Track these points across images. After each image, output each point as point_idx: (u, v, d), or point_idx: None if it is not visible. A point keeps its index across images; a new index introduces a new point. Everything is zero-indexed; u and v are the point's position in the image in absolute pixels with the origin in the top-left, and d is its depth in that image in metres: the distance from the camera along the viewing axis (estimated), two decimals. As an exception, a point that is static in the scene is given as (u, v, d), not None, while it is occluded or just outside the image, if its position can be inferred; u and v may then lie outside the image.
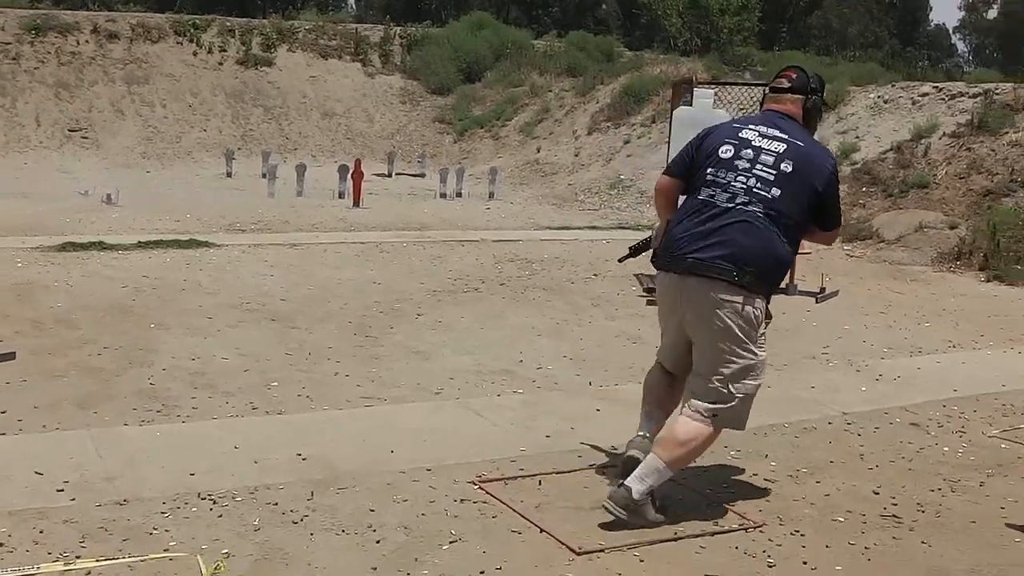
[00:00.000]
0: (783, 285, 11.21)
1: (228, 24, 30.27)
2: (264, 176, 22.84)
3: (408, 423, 6.26)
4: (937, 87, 19.64)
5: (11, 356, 5.84)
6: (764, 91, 5.29)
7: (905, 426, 6.65)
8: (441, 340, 8.54)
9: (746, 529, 4.81)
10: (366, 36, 31.16)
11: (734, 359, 4.75)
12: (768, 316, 4.95)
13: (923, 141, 17.91)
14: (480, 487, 5.20)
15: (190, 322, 8.74)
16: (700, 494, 5.22)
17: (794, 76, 5.09)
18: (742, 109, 15.12)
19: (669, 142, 10.63)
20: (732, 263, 4.65)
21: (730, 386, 4.76)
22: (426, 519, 4.77)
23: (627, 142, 22.80)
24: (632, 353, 8.29)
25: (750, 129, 4.95)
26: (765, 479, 5.51)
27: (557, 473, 5.47)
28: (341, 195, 19.51)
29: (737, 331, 4.72)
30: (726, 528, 4.82)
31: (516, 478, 5.39)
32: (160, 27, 29.47)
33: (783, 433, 6.33)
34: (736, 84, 18.37)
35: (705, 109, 10.27)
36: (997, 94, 18.20)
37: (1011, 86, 18.42)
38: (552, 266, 12.68)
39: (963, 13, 75.64)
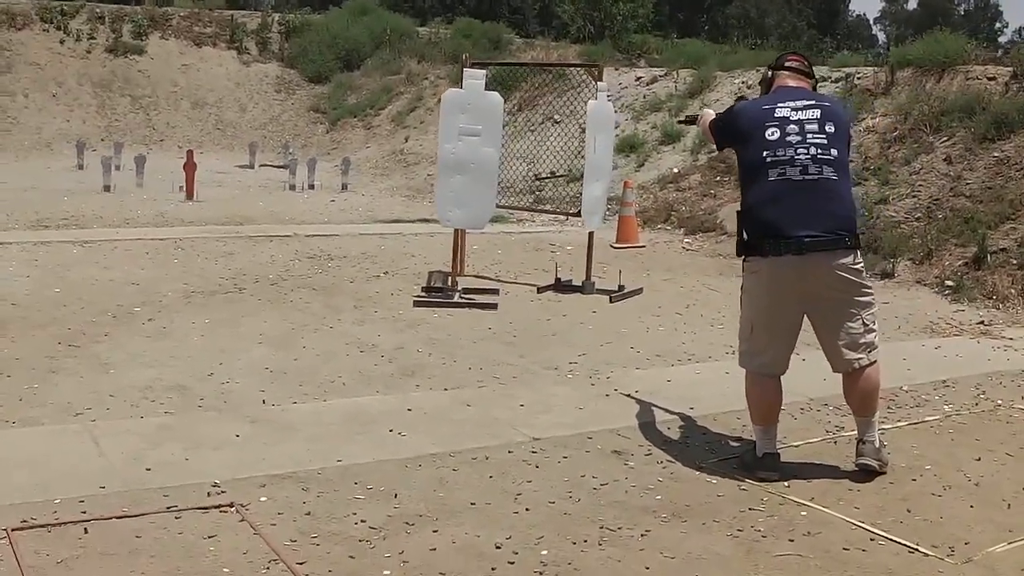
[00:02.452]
0: (579, 284, 10.50)
1: (98, 11, 29.01)
2: (116, 168, 21.79)
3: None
4: (798, 71, 18.81)
5: None
6: (770, 70, 5.76)
7: (603, 455, 5.74)
8: (142, 350, 7.66)
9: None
10: (243, 23, 30.03)
11: (861, 307, 5.35)
12: None
13: (783, 127, 17.07)
14: (7, 537, 4.20)
15: None
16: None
17: (806, 62, 5.74)
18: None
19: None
20: (840, 231, 5.17)
21: (868, 326, 5.38)
22: None
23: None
24: (347, 364, 7.53)
25: (782, 107, 5.34)
26: (371, 527, 4.55)
27: (115, 518, 4.50)
28: (182, 188, 18.39)
29: (858, 284, 5.32)
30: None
31: (60, 524, 4.42)
32: (25, 13, 28.18)
33: (440, 466, 5.41)
34: (513, 64, 17.64)
35: (476, 91, 9.39)
36: (859, 78, 17.44)
37: (872, 70, 17.66)
38: (349, 263, 11.80)
39: (883, 4, 75.44)
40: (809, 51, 31.68)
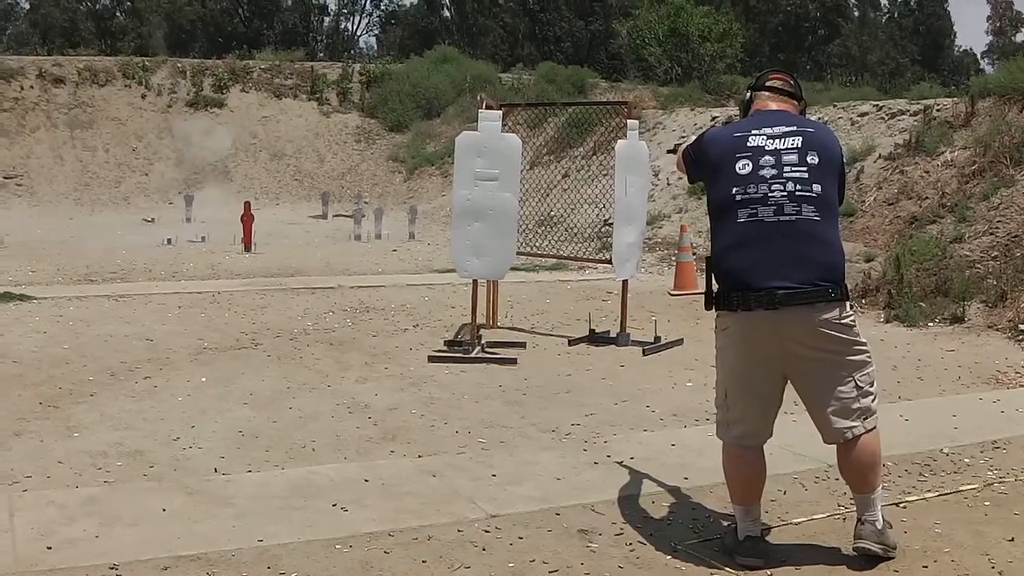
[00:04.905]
0: (613, 335, 9.87)
1: (179, 65, 29.22)
2: (187, 221, 21.84)
3: None
4: (877, 105, 18.04)
5: None
6: (749, 91, 4.93)
7: (566, 535, 5.05)
8: (119, 412, 7.27)
9: None
10: (323, 74, 30.03)
11: (853, 367, 4.57)
12: None
13: (857, 164, 16.30)
14: None
15: None
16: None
17: (791, 81, 4.90)
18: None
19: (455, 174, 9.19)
20: (822, 281, 4.43)
21: (862, 388, 4.59)
22: None
23: (566, 175, 21.31)
24: (327, 426, 7.00)
25: (756, 135, 4.59)
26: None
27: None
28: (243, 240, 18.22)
29: (848, 341, 4.55)
30: None
31: None
32: (108, 70, 28.59)
33: (371, 548, 4.86)
34: (530, 105, 17.17)
35: (492, 133, 8.87)
36: (937, 111, 16.57)
37: (951, 101, 16.76)
38: (383, 315, 11.33)
39: (991, 37, 73.59)
40: (902, 85, 30.76)
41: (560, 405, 7.68)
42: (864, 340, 4.64)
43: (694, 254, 14.67)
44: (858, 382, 4.59)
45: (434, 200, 23.56)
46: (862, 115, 17.83)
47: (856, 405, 4.59)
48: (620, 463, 6.21)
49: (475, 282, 9.64)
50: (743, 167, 4.53)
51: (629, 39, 34.16)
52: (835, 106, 18.92)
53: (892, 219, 14.70)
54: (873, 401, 4.65)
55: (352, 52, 55.19)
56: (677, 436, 6.88)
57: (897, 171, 15.66)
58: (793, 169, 4.48)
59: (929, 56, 66.54)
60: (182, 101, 28.13)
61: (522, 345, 9.70)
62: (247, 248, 17.20)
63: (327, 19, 67.28)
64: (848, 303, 4.59)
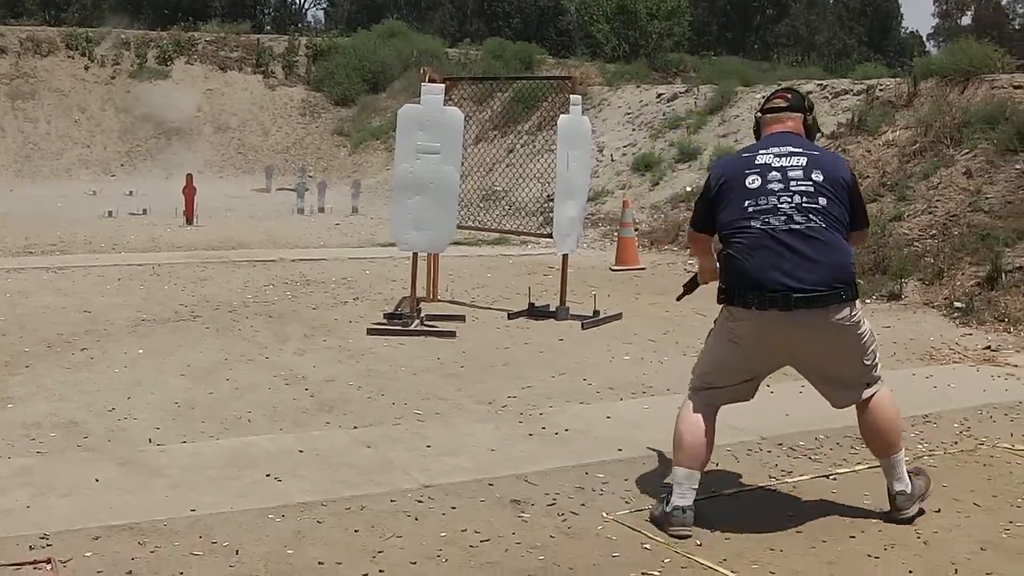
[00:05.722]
0: (553, 309, 9.91)
1: (124, 37, 28.84)
2: (130, 194, 21.64)
3: None
4: (821, 84, 18.18)
5: None
6: (756, 115, 5.25)
7: (499, 505, 5.09)
8: (55, 383, 7.20)
9: None
10: (269, 47, 29.76)
11: (858, 351, 4.86)
12: None
13: (801, 143, 16.38)
14: None
15: None
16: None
17: (789, 96, 5.12)
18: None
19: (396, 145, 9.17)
20: (835, 283, 4.65)
21: (866, 364, 4.91)
22: None
23: (511, 151, 21.29)
24: (264, 398, 6.98)
25: (763, 154, 4.87)
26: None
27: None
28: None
29: (854, 332, 4.81)
30: None
31: None
32: (51, 40, 28.14)
33: (303, 518, 4.86)
34: (475, 80, 17.23)
35: (435, 106, 8.86)
36: (880, 91, 16.70)
37: (894, 82, 16.90)
38: (323, 288, 11.32)
39: (937, 20, 74.21)
40: (848, 66, 30.96)
41: (497, 378, 7.71)
42: (867, 325, 4.90)
43: (636, 230, 14.76)
44: (864, 360, 4.88)
45: (379, 174, 23.47)
46: (807, 94, 17.93)
47: (862, 378, 4.93)
48: (555, 434, 6.25)
49: (415, 255, 9.65)
50: (752, 181, 4.79)
51: (578, 16, 34.19)
52: (779, 85, 18.98)
53: (832, 198, 14.80)
54: (876, 366, 4.96)
55: (300, 25, 54.69)
56: (612, 409, 6.93)
57: (840, 150, 15.75)
58: (799, 183, 4.73)
59: (876, 37, 67.07)
60: (126, 73, 27.82)
61: (462, 318, 9.71)
62: (189, 221, 17.07)
63: (275, -9, 66.75)
64: (856, 301, 4.82)
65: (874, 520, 5.01)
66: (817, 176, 4.75)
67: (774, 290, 4.63)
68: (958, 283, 11.27)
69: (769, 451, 6.14)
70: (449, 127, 9.13)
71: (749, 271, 4.71)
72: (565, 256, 10.22)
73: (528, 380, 7.66)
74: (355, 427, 6.33)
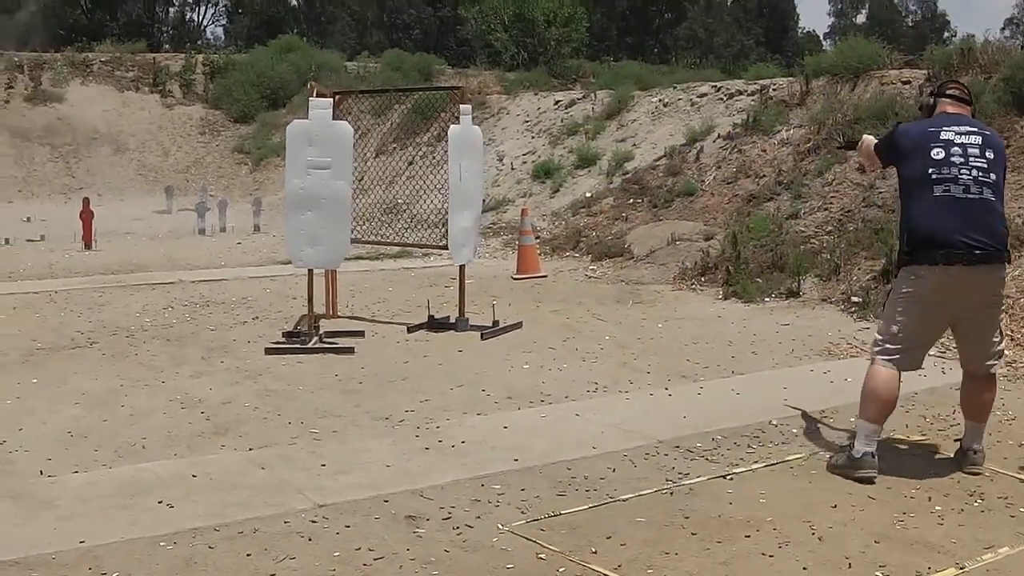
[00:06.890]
0: (453, 321, 9.92)
1: (16, 59, 28.32)
2: (27, 220, 21.28)
3: None
4: (715, 86, 18.43)
5: None
6: (932, 97, 6.08)
7: (393, 521, 5.08)
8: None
9: None
10: (165, 66, 29.42)
11: (998, 318, 5.87)
12: None
13: (697, 145, 16.64)
14: None
15: None
16: None
17: (966, 90, 6.03)
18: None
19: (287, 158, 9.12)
20: (1002, 246, 5.56)
21: (1002, 334, 5.94)
22: None
23: (411, 163, 21.25)
24: (159, 423, 6.91)
25: (946, 130, 5.67)
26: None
27: None
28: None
29: (1002, 296, 5.86)
30: None
31: None
32: (-61, 64, 27.51)
33: (195, 544, 4.83)
34: (364, 93, 17.26)
35: (323, 121, 8.83)
36: (774, 90, 16.97)
37: (786, 81, 17.19)
38: (223, 309, 11.23)
39: (833, 19, 75.39)
40: (745, 67, 31.28)
41: (395, 392, 7.71)
42: None
43: (538, 237, 14.81)
44: (1001, 329, 5.87)
45: (280, 191, 23.12)
46: (701, 96, 18.17)
47: (999, 347, 5.85)
48: (452, 447, 6.26)
49: (311, 272, 9.61)
50: (937, 153, 5.60)
51: (476, 25, 34.21)
52: (675, 88, 19.24)
53: (731, 197, 15.02)
54: (1002, 343, 5.92)
55: (199, 43, 54.10)
56: (510, 419, 6.97)
57: (735, 150, 16.01)
58: (976, 159, 5.58)
59: (775, 38, 68.00)
60: (20, 96, 27.28)
61: (361, 334, 9.69)
62: (87, 246, 16.83)
63: (172, 9, 65.96)
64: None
65: (769, 518, 5.09)
66: (990, 154, 5.61)
67: (958, 248, 5.44)
68: (854, 278, 11.49)
69: (666, 454, 6.21)
70: (338, 142, 9.11)
71: (935, 232, 5.50)
72: (462, 267, 10.24)
73: (426, 393, 7.67)
74: (250, 449, 6.29)
